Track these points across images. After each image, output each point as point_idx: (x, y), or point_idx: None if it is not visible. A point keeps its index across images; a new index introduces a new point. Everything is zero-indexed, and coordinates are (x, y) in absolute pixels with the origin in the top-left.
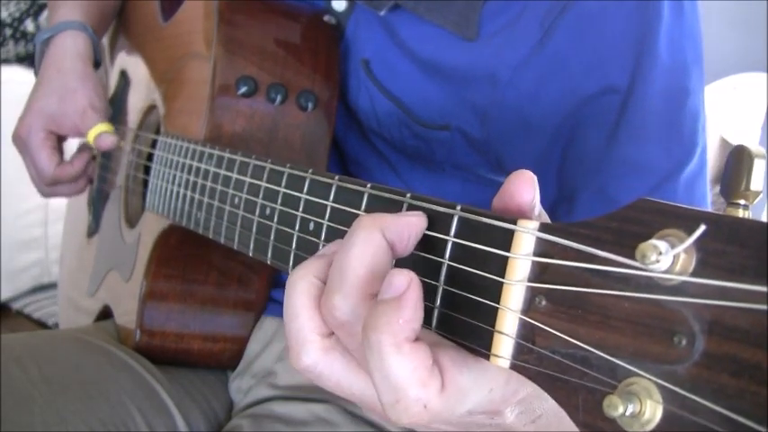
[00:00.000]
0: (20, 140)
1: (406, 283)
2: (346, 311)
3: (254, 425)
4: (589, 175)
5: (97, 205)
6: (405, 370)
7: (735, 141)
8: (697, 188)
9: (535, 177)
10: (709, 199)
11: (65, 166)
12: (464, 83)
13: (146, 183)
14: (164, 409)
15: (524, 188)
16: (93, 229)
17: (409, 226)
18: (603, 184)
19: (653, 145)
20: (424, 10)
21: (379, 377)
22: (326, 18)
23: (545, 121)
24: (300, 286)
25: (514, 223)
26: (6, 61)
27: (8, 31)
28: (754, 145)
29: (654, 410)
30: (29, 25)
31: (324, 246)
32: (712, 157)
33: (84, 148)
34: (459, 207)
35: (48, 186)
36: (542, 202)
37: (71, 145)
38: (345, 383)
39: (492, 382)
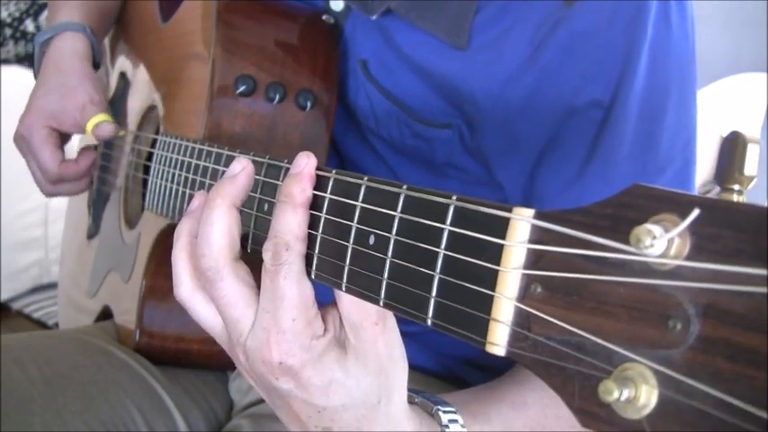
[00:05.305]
0: (22, 140)
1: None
2: (212, 268)
3: (254, 425)
4: (565, 184)
5: (97, 207)
6: (292, 223)
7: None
8: None
9: None
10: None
11: (69, 163)
12: (455, 91)
13: (145, 183)
14: (164, 409)
15: None
16: (92, 231)
17: (245, 185)
18: (577, 196)
19: (628, 163)
20: (416, 16)
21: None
22: (325, 18)
23: (533, 134)
24: (180, 243)
25: (510, 211)
26: (6, 61)
27: (8, 31)
28: (747, 132)
29: (649, 395)
30: (29, 25)
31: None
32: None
33: (88, 147)
34: (455, 197)
35: (51, 185)
36: (512, 199)
37: (73, 147)
38: (203, 318)
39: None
